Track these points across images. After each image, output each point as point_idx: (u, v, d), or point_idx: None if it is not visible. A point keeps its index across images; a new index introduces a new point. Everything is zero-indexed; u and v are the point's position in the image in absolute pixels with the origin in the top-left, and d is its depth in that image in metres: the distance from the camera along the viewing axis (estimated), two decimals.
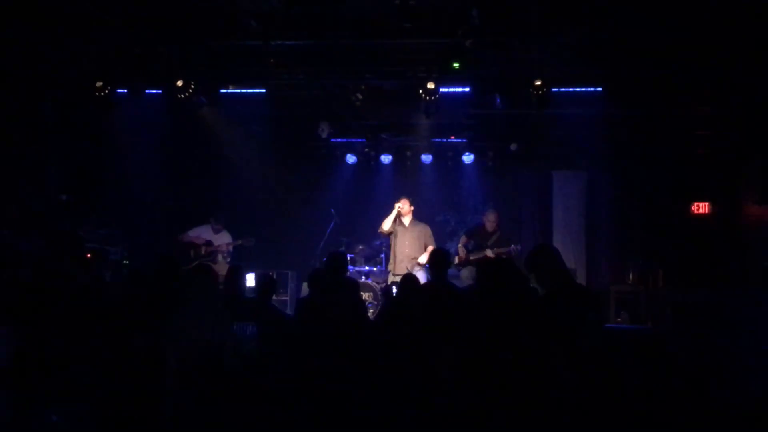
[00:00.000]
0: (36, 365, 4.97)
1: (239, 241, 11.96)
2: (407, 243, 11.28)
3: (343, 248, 12.63)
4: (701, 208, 12.55)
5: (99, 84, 11.35)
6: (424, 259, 11.02)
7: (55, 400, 4.96)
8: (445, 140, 14.33)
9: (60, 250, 6.01)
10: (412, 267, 10.93)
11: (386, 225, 11.40)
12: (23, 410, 4.78)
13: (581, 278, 12.97)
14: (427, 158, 14.28)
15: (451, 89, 11.41)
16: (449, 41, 10.14)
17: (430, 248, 10.85)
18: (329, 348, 5.99)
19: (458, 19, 9.56)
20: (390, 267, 11.41)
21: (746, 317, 8.32)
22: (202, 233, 11.96)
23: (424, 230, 11.37)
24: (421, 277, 10.13)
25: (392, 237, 11.41)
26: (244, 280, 8.25)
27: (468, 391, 4.69)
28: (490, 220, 11.43)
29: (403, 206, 11.39)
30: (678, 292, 10.82)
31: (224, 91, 12.09)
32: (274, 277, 10.29)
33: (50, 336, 5.14)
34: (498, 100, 11.65)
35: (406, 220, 11.40)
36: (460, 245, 11.54)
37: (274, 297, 7.84)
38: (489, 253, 10.99)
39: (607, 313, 11.31)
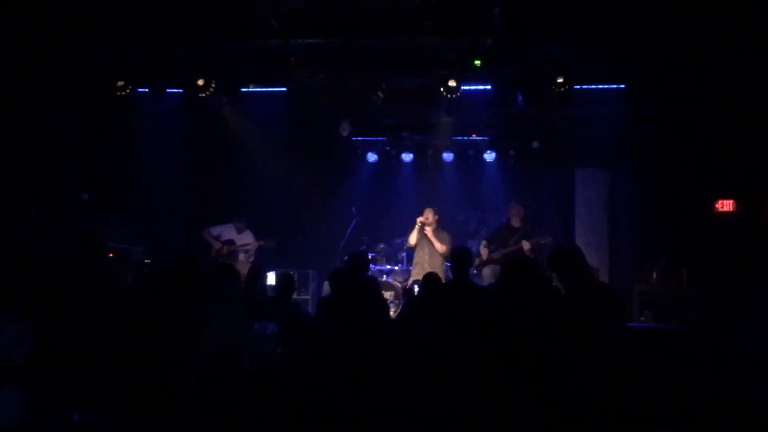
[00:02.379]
0: (55, 363, 4.98)
1: (261, 242, 11.97)
2: (427, 252, 11.30)
3: (364, 247, 12.63)
4: (726, 206, 12.42)
5: (120, 83, 11.43)
6: (429, 230, 11.22)
7: (74, 399, 4.97)
8: (466, 138, 14.28)
9: (81, 251, 6.04)
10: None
11: (412, 239, 11.47)
12: (43, 408, 4.79)
13: (604, 277, 12.91)
14: (448, 156, 14.24)
15: (473, 87, 11.43)
16: (471, 39, 10.13)
17: (444, 247, 11.08)
18: (350, 347, 5.98)
19: (480, 17, 9.54)
20: (414, 274, 11.39)
21: None
22: (225, 232, 11.99)
23: (443, 236, 11.34)
24: None
25: (417, 247, 11.43)
26: (265, 279, 8.27)
27: (489, 390, 4.66)
28: (515, 214, 11.40)
29: (427, 217, 11.39)
30: (702, 292, 10.72)
31: (245, 90, 12.15)
32: (295, 276, 10.34)
33: (70, 335, 5.15)
34: (520, 98, 11.64)
35: (430, 229, 11.38)
36: (482, 247, 11.49)
37: (295, 296, 7.84)
38: (525, 244, 10.92)
39: (631, 312, 11.23)
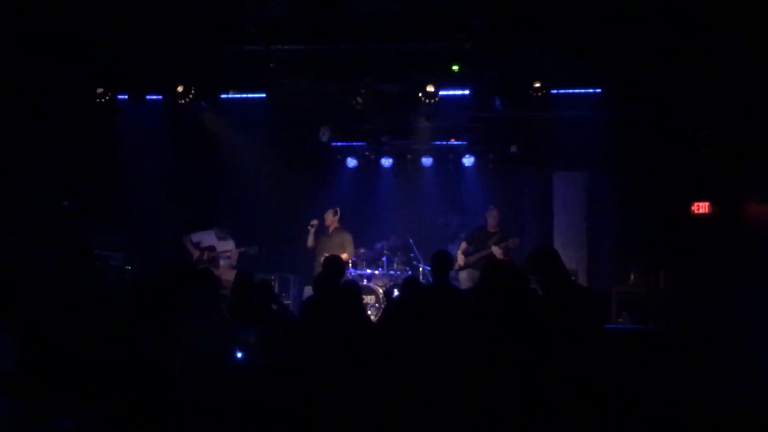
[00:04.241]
0: (45, 371, 4.99)
1: (243, 249, 11.98)
2: (323, 250, 11.37)
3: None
4: (702, 207, 12.53)
5: (100, 90, 11.41)
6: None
7: (62, 406, 4.98)
8: (445, 143, 14.36)
9: (70, 258, 6.04)
10: None
11: (309, 242, 11.74)
12: (33, 415, 4.80)
13: (582, 279, 12.98)
14: (427, 161, 14.31)
15: (451, 92, 11.45)
16: (449, 45, 10.18)
17: (344, 256, 11.09)
18: (331, 351, 6.01)
19: (458, 22, 9.60)
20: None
21: (748, 317, 8.33)
22: (206, 238, 11.96)
23: (343, 238, 11.58)
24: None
25: (317, 247, 11.59)
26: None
27: (469, 393, 4.70)
28: (492, 217, 11.52)
29: (326, 218, 11.75)
30: (679, 293, 10.82)
31: (225, 96, 12.13)
32: (275, 281, 10.39)
33: (56, 342, 5.15)
34: (498, 103, 11.70)
35: (330, 230, 11.62)
36: (459, 252, 11.60)
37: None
38: (495, 249, 11.04)
39: (609, 313, 11.31)
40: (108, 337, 5.37)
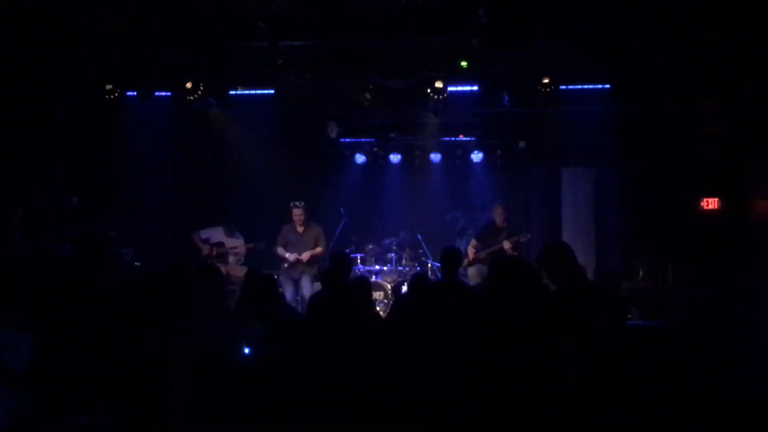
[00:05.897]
0: (57, 368, 5.00)
1: (251, 245, 12.00)
2: (300, 248, 11.44)
3: (352, 247, 12.69)
4: (711, 203, 12.53)
5: (108, 87, 11.42)
6: (306, 256, 11.24)
7: (76, 402, 4.99)
8: (453, 139, 14.37)
9: (84, 251, 6.07)
10: (303, 271, 11.30)
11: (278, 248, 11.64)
12: (46, 412, 4.81)
13: (590, 275, 12.96)
14: (435, 157, 14.31)
15: (459, 88, 11.43)
16: (457, 40, 10.18)
17: (319, 249, 11.23)
18: (340, 347, 6.02)
19: (465, 18, 9.58)
20: (283, 269, 11.58)
21: (756, 312, 8.31)
22: (215, 234, 12.00)
23: (317, 232, 11.59)
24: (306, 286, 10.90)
25: (288, 244, 11.57)
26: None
27: (479, 390, 4.70)
28: (498, 214, 11.51)
29: (296, 218, 11.61)
30: (688, 288, 10.81)
31: (233, 92, 12.12)
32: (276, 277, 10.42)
33: (71, 339, 5.17)
34: (506, 98, 11.68)
35: (300, 228, 11.58)
36: (470, 247, 11.60)
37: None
38: (505, 244, 11.05)
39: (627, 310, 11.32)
40: (118, 332, 5.39)
